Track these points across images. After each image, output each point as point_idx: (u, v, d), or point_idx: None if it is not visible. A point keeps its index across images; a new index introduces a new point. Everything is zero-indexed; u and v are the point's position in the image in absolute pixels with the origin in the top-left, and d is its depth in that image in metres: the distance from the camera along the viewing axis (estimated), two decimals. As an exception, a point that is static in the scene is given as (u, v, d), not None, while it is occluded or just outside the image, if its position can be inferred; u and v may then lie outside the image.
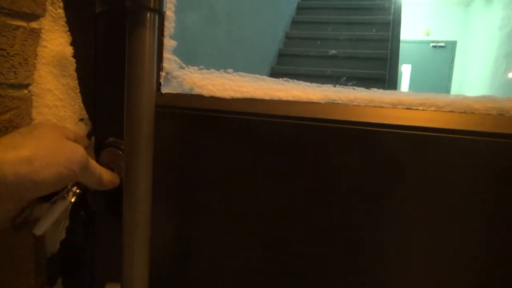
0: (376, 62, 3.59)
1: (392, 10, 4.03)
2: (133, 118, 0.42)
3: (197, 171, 0.50)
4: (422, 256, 0.43)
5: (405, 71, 6.29)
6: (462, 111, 0.42)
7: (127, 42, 0.41)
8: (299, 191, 0.46)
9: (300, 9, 4.43)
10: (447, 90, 6.15)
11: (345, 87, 0.47)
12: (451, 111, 0.42)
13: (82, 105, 0.53)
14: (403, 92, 0.44)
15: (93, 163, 0.44)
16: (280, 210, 0.47)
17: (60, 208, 0.46)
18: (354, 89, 0.46)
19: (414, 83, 6.25)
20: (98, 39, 0.51)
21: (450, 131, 0.40)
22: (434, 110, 0.43)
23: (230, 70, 0.50)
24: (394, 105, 0.44)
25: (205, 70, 0.51)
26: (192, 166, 0.50)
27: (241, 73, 0.50)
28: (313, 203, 0.46)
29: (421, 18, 6.19)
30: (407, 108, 0.43)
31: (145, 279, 0.46)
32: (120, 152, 0.52)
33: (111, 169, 0.53)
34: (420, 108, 0.43)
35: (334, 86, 0.46)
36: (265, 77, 0.49)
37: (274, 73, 3.73)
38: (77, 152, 0.40)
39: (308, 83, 0.48)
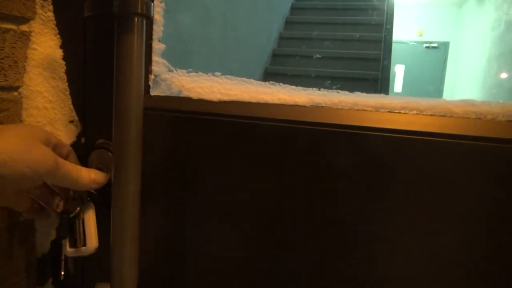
0: (369, 62, 3.62)
1: (385, 11, 4.05)
2: (122, 120, 0.43)
3: (185, 173, 0.51)
4: (404, 254, 0.44)
5: (399, 71, 6.34)
6: (442, 114, 0.43)
7: (115, 46, 0.42)
8: (286, 191, 0.47)
9: (294, 9, 4.44)
10: (440, 90, 6.20)
11: (329, 90, 0.48)
12: (431, 115, 0.43)
13: (72, 107, 0.54)
14: (385, 96, 0.45)
15: (68, 166, 0.43)
16: (267, 210, 0.48)
17: (89, 219, 0.48)
18: (338, 92, 0.47)
19: (407, 83, 6.29)
20: (87, 42, 0.52)
21: (430, 134, 0.41)
22: (415, 114, 0.44)
23: (218, 73, 0.51)
24: (376, 109, 0.45)
25: (193, 73, 0.52)
26: (181, 168, 0.51)
27: (229, 76, 0.51)
28: (300, 204, 0.47)
29: (414, 19, 6.24)
30: (389, 112, 0.45)
31: (134, 279, 0.47)
32: (110, 154, 0.53)
33: (100, 170, 0.53)
34: (402, 111, 0.44)
35: (319, 89, 0.47)
36: (252, 80, 0.50)
37: (268, 73, 3.74)
38: (45, 157, 0.41)
39: (294, 87, 0.49)
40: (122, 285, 0.46)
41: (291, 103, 0.47)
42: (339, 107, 0.46)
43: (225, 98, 0.49)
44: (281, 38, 4.08)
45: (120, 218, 0.44)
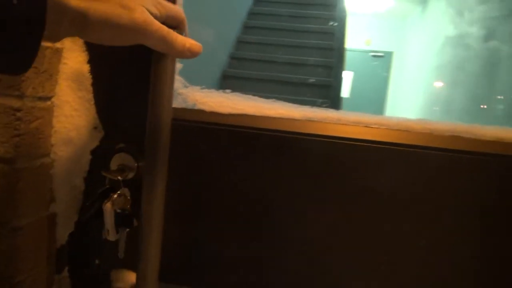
0: (322, 69, 3.83)
1: (338, 21, 4.30)
2: (154, 128, 0.52)
3: (200, 175, 0.60)
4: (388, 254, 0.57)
5: (348, 78, 6.69)
6: (405, 129, 0.56)
7: (153, 70, 0.51)
8: (283, 192, 0.59)
9: (252, 14, 4.57)
10: (384, 97, 6.64)
11: (319, 108, 0.60)
12: (397, 130, 0.57)
13: (96, 115, 0.61)
14: (362, 114, 0.58)
15: (160, 27, 0.42)
16: (265, 205, 0.59)
17: (107, 214, 0.56)
18: (326, 109, 0.59)
19: (355, 89, 6.67)
20: (113, 58, 0.60)
21: (395, 144, 0.55)
22: (385, 129, 0.57)
23: (228, 90, 0.61)
24: (356, 123, 0.58)
25: (206, 90, 0.62)
26: (196, 170, 0.60)
27: (237, 93, 0.61)
28: (295, 202, 0.58)
29: (363, 28, 6.62)
30: (365, 126, 0.57)
31: (157, 267, 0.56)
32: (129, 156, 0.61)
33: (121, 170, 0.61)
34: (375, 126, 0.57)
35: (311, 107, 0.59)
36: (256, 97, 0.61)
37: (226, 76, 3.83)
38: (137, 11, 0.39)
39: (291, 104, 0.60)
40: (146, 272, 0.55)
41: (289, 117, 0.59)
42: (326, 121, 0.58)
43: (234, 111, 0.60)
44: (239, 42, 4.20)
45: (149, 212, 0.53)
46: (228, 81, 3.80)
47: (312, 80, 3.71)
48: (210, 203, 0.61)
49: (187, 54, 0.46)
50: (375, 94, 6.66)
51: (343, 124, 0.58)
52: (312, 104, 0.59)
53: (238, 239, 0.61)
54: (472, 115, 3.31)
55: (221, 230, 0.61)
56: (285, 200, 0.59)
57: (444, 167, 0.53)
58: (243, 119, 0.59)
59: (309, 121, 0.59)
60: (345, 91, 6.62)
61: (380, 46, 6.68)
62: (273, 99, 0.63)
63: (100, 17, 0.37)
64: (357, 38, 6.55)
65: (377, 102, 6.71)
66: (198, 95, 0.61)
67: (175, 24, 0.46)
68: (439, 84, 4.57)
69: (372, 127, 0.57)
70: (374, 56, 6.69)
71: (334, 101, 3.53)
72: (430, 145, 0.54)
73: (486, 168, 0.53)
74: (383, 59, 6.68)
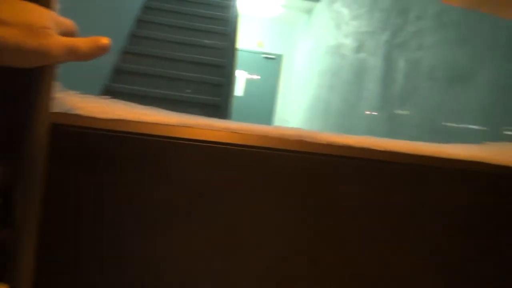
0: (215, 68, 3.95)
1: (231, 22, 4.46)
2: (31, 132, 0.54)
3: (77, 179, 0.64)
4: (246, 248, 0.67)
5: (241, 77, 6.95)
6: (264, 134, 0.68)
7: (32, 74, 0.53)
8: (148, 194, 0.65)
9: (146, 8, 4.48)
10: (275, 96, 7.07)
11: (197, 116, 0.68)
12: (257, 135, 0.67)
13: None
14: (229, 122, 0.68)
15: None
16: (141, 209, 0.65)
17: None
18: (200, 117, 0.68)
19: (248, 88, 6.97)
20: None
21: (253, 147, 0.66)
22: (247, 134, 0.67)
23: (106, 97, 0.65)
24: (224, 129, 0.67)
25: (84, 95, 0.65)
26: (73, 175, 0.63)
27: (115, 100, 0.66)
28: (160, 206, 0.65)
29: (257, 31, 6.93)
30: (231, 132, 0.67)
31: (31, 277, 0.58)
32: None
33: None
34: (240, 132, 0.67)
35: (191, 114, 0.67)
36: (134, 104, 0.66)
37: (118, 70, 3.71)
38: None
39: (170, 111, 0.67)
40: (19, 278, 0.56)
41: (166, 123, 0.66)
42: (201, 127, 0.67)
43: (112, 116, 0.64)
44: (133, 36, 4.08)
45: (22, 218, 0.55)
46: (121, 76, 3.68)
47: (205, 77, 3.80)
48: (86, 208, 0.64)
49: (99, 52, 0.50)
50: (267, 94, 7.05)
51: (215, 130, 0.67)
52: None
53: (111, 242, 0.66)
54: (346, 117, 3.75)
55: (93, 232, 0.65)
56: (150, 204, 0.65)
57: (290, 167, 0.66)
58: (121, 124, 0.64)
59: (185, 126, 0.66)
60: (239, 90, 6.86)
61: (272, 48, 7.08)
62: (152, 106, 0.69)
63: (8, 43, 0.39)
64: (250, 40, 6.84)
65: (268, 100, 7.11)
66: (75, 100, 0.64)
67: (70, 36, 0.49)
68: (320, 87, 5.03)
69: (236, 132, 0.67)
70: (266, 57, 7.05)
71: (226, 99, 3.67)
72: (280, 147, 0.66)
73: (328, 167, 0.67)
74: (274, 61, 7.09)
